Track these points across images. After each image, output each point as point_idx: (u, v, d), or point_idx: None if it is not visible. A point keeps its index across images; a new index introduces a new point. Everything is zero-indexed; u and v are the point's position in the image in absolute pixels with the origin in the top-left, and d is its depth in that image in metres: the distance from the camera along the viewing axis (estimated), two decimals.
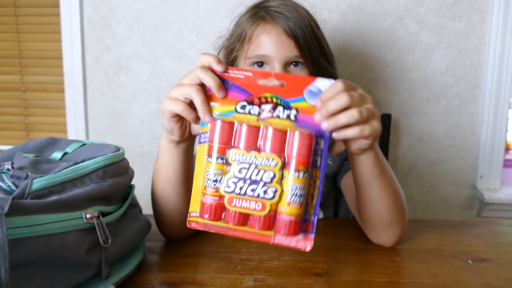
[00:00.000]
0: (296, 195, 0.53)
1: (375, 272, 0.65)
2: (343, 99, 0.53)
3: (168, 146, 0.69)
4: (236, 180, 0.54)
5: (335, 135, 0.55)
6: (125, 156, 0.70)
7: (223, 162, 0.55)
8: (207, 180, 0.56)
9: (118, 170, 0.64)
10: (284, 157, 0.54)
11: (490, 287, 0.61)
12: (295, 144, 0.53)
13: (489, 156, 1.36)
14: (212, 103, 0.59)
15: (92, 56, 1.42)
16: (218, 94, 0.57)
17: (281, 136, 0.54)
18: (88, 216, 0.53)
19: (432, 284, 0.61)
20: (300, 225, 0.55)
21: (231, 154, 0.54)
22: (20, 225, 0.45)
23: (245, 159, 0.54)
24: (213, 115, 0.58)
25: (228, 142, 0.55)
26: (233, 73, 0.58)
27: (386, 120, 1.26)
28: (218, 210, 0.56)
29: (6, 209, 0.43)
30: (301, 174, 0.53)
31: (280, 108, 0.56)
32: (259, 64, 0.88)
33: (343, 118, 0.54)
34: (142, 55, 1.40)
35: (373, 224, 0.72)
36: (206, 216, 0.56)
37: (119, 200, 0.66)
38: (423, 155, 1.39)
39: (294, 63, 0.87)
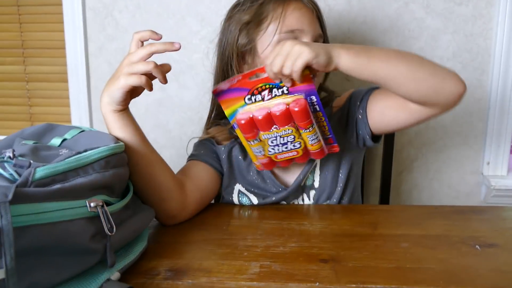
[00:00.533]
0: (312, 139, 0.77)
1: (381, 258, 0.64)
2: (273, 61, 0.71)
3: (116, 116, 0.77)
4: (273, 146, 0.79)
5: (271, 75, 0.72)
6: None
7: (258, 141, 0.78)
8: (255, 153, 0.82)
9: (119, 161, 0.65)
10: (294, 123, 0.74)
11: (498, 272, 0.60)
12: (295, 113, 0.73)
13: (496, 142, 1.35)
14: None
15: (95, 45, 1.41)
16: (175, 46, 0.78)
17: (285, 113, 0.73)
18: (92, 204, 0.53)
19: (440, 269, 0.61)
20: (324, 148, 0.81)
21: (261, 135, 0.77)
22: (25, 213, 0.45)
23: (271, 136, 0.76)
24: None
25: (253, 131, 0.76)
26: (231, 84, 0.76)
27: None
28: (271, 163, 0.83)
29: (10, 196, 0.43)
30: (310, 128, 0.75)
31: (274, 90, 0.75)
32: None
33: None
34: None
35: (426, 102, 0.78)
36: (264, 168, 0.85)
37: (121, 192, 0.66)
38: (430, 141, 1.38)
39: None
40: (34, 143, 0.64)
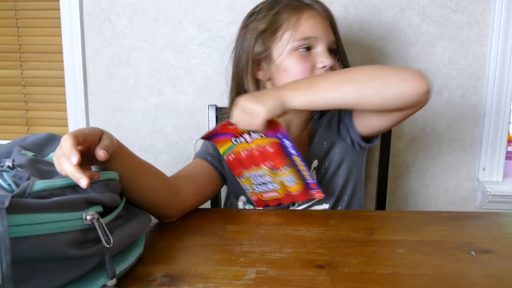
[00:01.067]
0: (289, 181, 0.81)
1: (377, 264, 0.64)
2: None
3: None
4: (256, 185, 0.86)
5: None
6: None
7: (244, 178, 0.87)
8: (245, 189, 0.91)
9: (116, 188, 0.65)
10: (269, 163, 0.80)
11: (493, 278, 0.60)
12: (269, 154, 0.79)
13: (491, 148, 1.36)
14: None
15: (92, 50, 1.41)
16: (72, 161, 0.54)
17: (261, 153, 0.80)
18: (88, 217, 0.53)
19: (435, 275, 0.61)
20: (306, 190, 0.83)
21: (245, 173, 0.86)
22: (21, 223, 0.45)
23: (252, 174, 0.85)
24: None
25: (239, 168, 0.87)
26: (215, 130, 0.83)
27: None
28: (260, 202, 0.90)
29: (6, 204, 0.43)
30: (284, 169, 0.79)
31: (252, 133, 0.80)
32: (306, 48, 0.91)
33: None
34: (142, 48, 1.40)
35: (389, 109, 0.80)
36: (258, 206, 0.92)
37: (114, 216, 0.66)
38: (426, 147, 1.38)
39: (331, 50, 0.94)
40: (33, 155, 0.64)
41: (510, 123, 1.37)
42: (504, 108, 1.33)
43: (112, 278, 0.55)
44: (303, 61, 0.91)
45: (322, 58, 0.90)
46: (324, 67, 0.90)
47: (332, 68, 0.91)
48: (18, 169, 0.54)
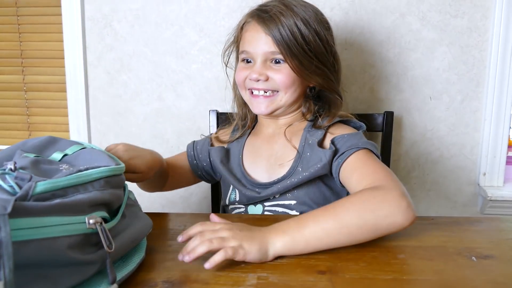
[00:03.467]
0: None
1: (378, 269, 0.64)
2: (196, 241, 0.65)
3: None
4: None
5: (186, 258, 0.63)
6: None
7: None
8: None
9: (118, 182, 0.65)
10: None
11: (494, 283, 0.61)
12: None
13: (492, 153, 1.36)
14: None
15: (94, 55, 1.42)
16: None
17: None
18: (91, 221, 0.53)
19: (436, 281, 0.61)
20: None
21: None
22: (24, 227, 0.45)
23: None
24: None
25: None
26: None
27: (388, 117, 1.25)
28: None
29: (9, 209, 0.43)
30: None
31: None
32: (247, 61, 0.97)
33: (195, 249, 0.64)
34: (143, 53, 1.40)
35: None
36: None
37: (119, 212, 0.66)
38: (426, 152, 1.39)
39: (275, 61, 0.93)
40: (35, 156, 0.64)
41: (510, 128, 1.37)
42: (504, 113, 1.33)
43: (112, 283, 0.55)
44: (240, 70, 0.98)
45: (251, 70, 0.94)
46: (249, 78, 0.94)
47: (268, 82, 0.93)
48: (20, 170, 0.55)
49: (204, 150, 1.07)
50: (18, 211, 0.44)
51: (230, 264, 0.66)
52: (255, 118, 1.08)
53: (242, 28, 0.98)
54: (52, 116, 1.51)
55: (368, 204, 0.70)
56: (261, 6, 0.96)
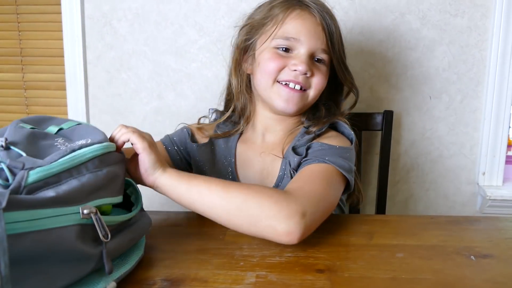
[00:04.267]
0: None
1: (377, 268, 0.64)
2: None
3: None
4: None
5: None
6: None
7: None
8: None
9: (113, 158, 0.64)
10: None
11: (493, 283, 0.61)
12: None
13: (491, 152, 1.36)
14: None
15: (94, 54, 1.42)
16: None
17: None
18: (85, 211, 0.53)
19: (435, 280, 0.61)
20: None
21: None
22: (18, 219, 0.45)
23: None
24: None
25: None
26: None
27: (388, 116, 1.25)
28: None
29: (3, 204, 0.43)
30: None
31: None
32: (284, 49, 0.87)
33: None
34: (143, 52, 1.40)
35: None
36: None
37: (121, 190, 0.66)
38: (425, 152, 1.39)
39: (317, 59, 0.89)
40: (31, 128, 0.64)
41: (510, 127, 1.37)
42: (504, 112, 1.33)
43: (109, 273, 0.55)
44: (276, 59, 0.87)
45: (297, 61, 0.86)
46: (295, 70, 0.86)
47: (307, 79, 0.87)
48: (12, 148, 0.54)
49: (182, 142, 1.01)
50: (12, 205, 0.44)
51: (229, 263, 0.66)
52: (250, 117, 0.99)
53: (286, 13, 0.87)
54: (52, 114, 1.50)
55: (262, 198, 0.67)
56: None
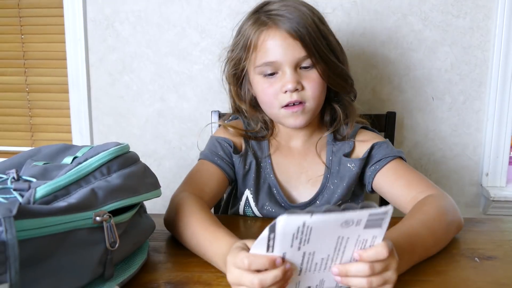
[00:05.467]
0: None
1: None
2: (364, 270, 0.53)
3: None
4: None
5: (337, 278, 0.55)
6: None
7: None
8: None
9: (124, 162, 0.64)
10: None
11: (497, 285, 0.60)
12: None
13: (494, 153, 1.35)
14: None
15: (96, 56, 1.42)
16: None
17: None
18: (97, 219, 0.53)
19: (439, 282, 0.61)
20: None
21: None
22: (28, 228, 0.45)
23: None
24: None
25: None
26: None
27: (390, 118, 1.25)
28: None
29: (14, 211, 0.43)
30: None
31: None
32: (270, 73, 0.86)
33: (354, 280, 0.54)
34: (145, 54, 1.40)
35: None
36: None
37: (143, 189, 0.65)
38: (428, 153, 1.38)
39: (303, 67, 0.86)
40: (44, 163, 0.64)
41: None
42: (506, 113, 1.33)
43: (108, 279, 0.55)
44: (266, 89, 0.88)
45: (283, 81, 0.85)
46: (286, 91, 0.85)
47: (301, 92, 0.86)
48: (23, 177, 0.55)
49: (228, 155, 0.94)
50: (23, 213, 0.44)
51: None
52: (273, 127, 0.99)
53: (255, 38, 0.87)
54: (54, 117, 1.51)
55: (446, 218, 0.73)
56: (264, 11, 0.88)
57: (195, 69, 1.39)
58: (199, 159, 0.95)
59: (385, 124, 1.25)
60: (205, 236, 0.68)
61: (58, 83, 1.48)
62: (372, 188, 0.91)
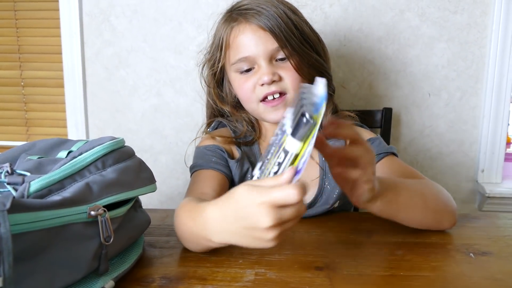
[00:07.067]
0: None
1: (376, 265, 0.64)
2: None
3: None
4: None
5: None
6: None
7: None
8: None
9: (119, 157, 0.64)
10: None
11: (492, 280, 0.61)
12: None
13: (490, 150, 1.36)
14: None
15: (92, 51, 1.41)
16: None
17: None
18: (92, 213, 0.53)
19: (434, 277, 0.61)
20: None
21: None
22: (22, 222, 0.45)
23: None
24: None
25: None
26: None
27: (387, 114, 1.25)
28: None
29: (8, 205, 0.43)
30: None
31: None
32: (247, 70, 0.86)
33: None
34: (141, 49, 1.40)
35: (422, 228, 0.77)
36: None
37: (139, 184, 0.65)
38: (424, 149, 1.38)
39: (279, 59, 0.85)
40: (39, 157, 0.64)
41: (509, 124, 1.37)
42: (503, 109, 1.33)
43: (102, 274, 0.55)
44: (243, 84, 0.87)
45: (259, 74, 0.85)
46: (262, 84, 0.84)
47: (279, 83, 0.84)
48: (17, 171, 0.54)
49: (223, 159, 0.90)
50: (16, 207, 0.44)
51: (228, 260, 0.66)
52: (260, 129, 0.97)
53: (226, 36, 0.88)
54: (50, 111, 1.51)
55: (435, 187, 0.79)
56: (235, 9, 0.88)
57: (192, 64, 1.38)
58: (192, 173, 0.89)
59: (381, 120, 1.25)
60: (191, 215, 0.63)
61: (53, 78, 1.47)
62: None
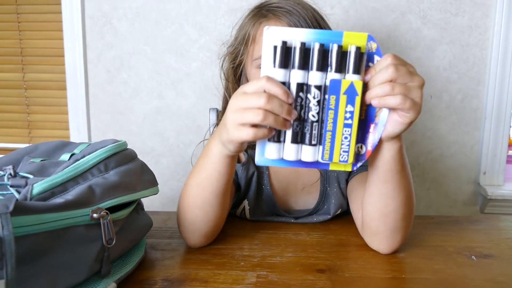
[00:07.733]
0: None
1: (378, 268, 0.64)
2: (388, 73, 0.57)
3: (225, 160, 0.65)
4: None
5: (375, 102, 0.58)
6: None
7: None
8: None
9: (122, 159, 0.64)
10: None
11: (494, 283, 0.60)
12: None
13: (492, 152, 1.36)
14: None
15: (94, 53, 1.42)
16: (289, 100, 0.54)
17: None
18: (95, 215, 0.53)
19: (436, 280, 0.61)
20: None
21: None
22: (25, 224, 0.45)
23: None
24: None
25: None
26: None
27: None
28: None
29: (11, 207, 0.43)
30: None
31: None
32: None
33: (383, 89, 0.58)
34: (143, 51, 1.40)
35: (376, 226, 0.68)
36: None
37: (141, 187, 0.65)
38: (426, 151, 1.38)
39: None
40: (41, 160, 0.64)
41: (511, 127, 1.37)
42: (504, 111, 1.33)
43: (104, 276, 0.55)
44: None
45: None
46: None
47: None
48: (20, 173, 0.54)
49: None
50: (19, 210, 0.44)
51: (230, 263, 0.66)
52: None
53: (253, 31, 0.86)
54: (52, 114, 1.51)
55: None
56: (265, 5, 0.88)
57: (193, 66, 1.39)
58: None
59: None
60: (197, 164, 0.71)
61: (56, 80, 1.48)
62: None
